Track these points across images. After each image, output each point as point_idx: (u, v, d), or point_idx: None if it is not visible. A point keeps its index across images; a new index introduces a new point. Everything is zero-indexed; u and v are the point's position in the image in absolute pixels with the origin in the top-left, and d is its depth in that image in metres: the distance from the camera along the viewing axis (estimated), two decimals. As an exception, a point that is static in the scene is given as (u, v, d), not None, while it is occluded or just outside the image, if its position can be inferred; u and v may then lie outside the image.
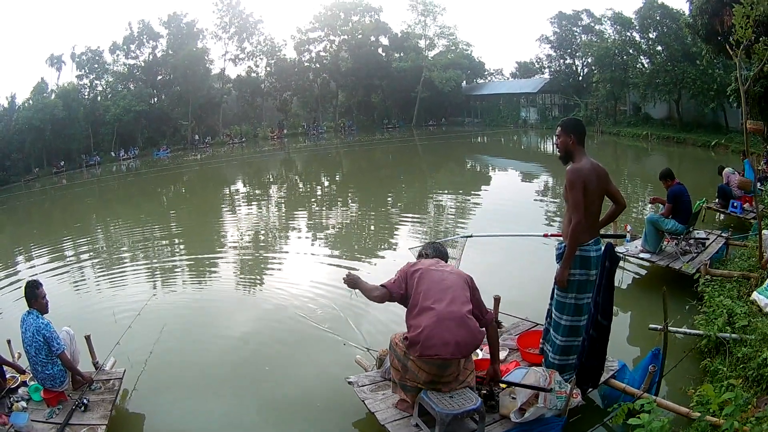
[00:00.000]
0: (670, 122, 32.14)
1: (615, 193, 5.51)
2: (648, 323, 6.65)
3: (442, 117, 58.66)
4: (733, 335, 6.18)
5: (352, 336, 8.14)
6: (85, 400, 7.01)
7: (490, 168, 18.97)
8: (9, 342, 8.53)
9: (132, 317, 8.67)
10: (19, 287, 12.21)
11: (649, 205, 13.38)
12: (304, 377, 7.86)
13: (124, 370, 7.62)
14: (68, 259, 16.35)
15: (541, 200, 16.06)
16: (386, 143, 35.01)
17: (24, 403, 7.30)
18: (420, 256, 5.55)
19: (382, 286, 5.28)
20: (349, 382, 6.45)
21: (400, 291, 5.27)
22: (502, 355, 6.32)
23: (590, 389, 5.60)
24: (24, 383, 7.72)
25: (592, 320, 5.12)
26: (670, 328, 5.65)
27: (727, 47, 8.47)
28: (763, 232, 8.29)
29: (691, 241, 9.41)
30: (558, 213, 14.56)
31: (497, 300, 7.13)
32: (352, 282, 5.49)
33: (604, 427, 5.52)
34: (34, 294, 7.07)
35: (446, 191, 18.16)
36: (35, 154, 46.44)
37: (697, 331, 6.62)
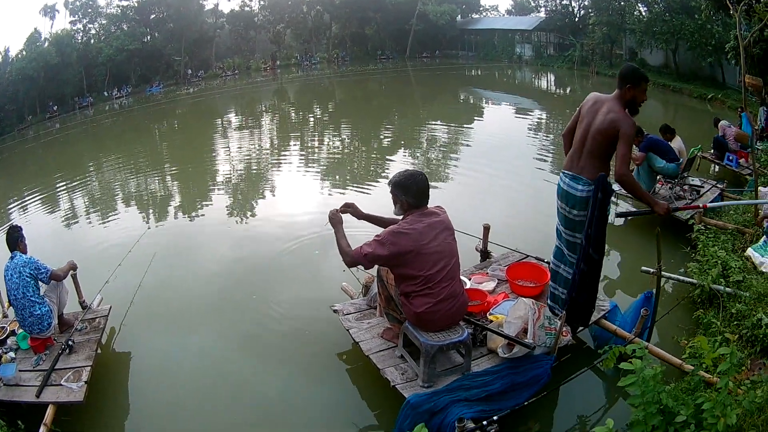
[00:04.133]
0: (667, 71, 31.83)
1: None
2: (640, 266, 6.66)
3: (436, 50, 57.98)
4: (728, 289, 6.14)
5: (339, 264, 8.11)
6: (70, 342, 6.99)
7: (484, 101, 18.85)
8: None
9: (123, 253, 8.70)
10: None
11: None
12: (291, 306, 7.92)
13: (110, 307, 7.67)
14: (60, 201, 16.32)
15: (534, 136, 15.93)
16: (379, 74, 34.73)
17: (12, 354, 7.26)
18: (398, 202, 5.02)
19: (359, 251, 4.90)
20: (335, 311, 6.49)
21: (370, 267, 5.18)
22: (491, 286, 6.32)
23: (581, 328, 5.57)
24: (13, 332, 7.71)
25: (583, 253, 5.04)
26: (663, 273, 5.56)
27: (728, 2, 8.37)
28: (759, 188, 8.26)
29: (686, 187, 9.39)
30: (551, 149, 14.36)
31: (486, 228, 7.11)
32: (336, 221, 5.28)
33: (593, 370, 5.56)
34: (15, 238, 7.12)
35: (438, 122, 18.05)
36: (28, 102, 45.48)
37: (690, 279, 6.58)
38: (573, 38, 43.66)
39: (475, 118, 17.27)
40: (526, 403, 4.82)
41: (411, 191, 4.89)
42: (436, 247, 4.79)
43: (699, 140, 10.51)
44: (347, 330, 6.15)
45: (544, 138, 15.86)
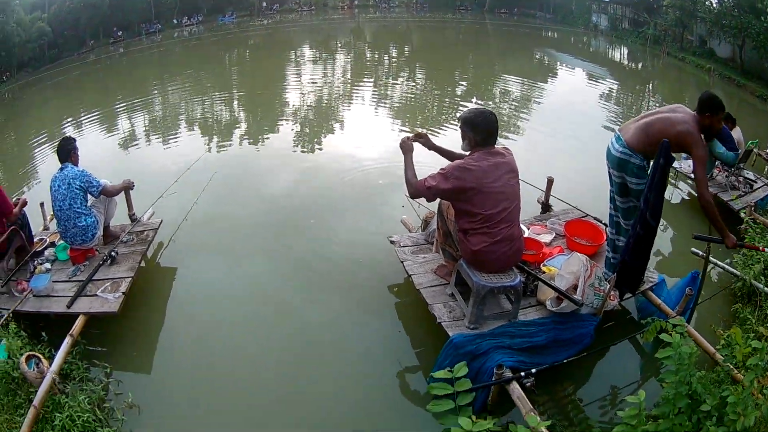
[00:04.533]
0: (733, 64, 30.94)
1: None
2: (690, 246, 6.70)
3: (515, 7, 56.85)
4: (766, 288, 6.11)
5: (401, 199, 8.18)
6: (113, 254, 7.04)
7: (558, 63, 18.61)
8: (42, 205, 8.62)
9: (180, 172, 8.82)
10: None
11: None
12: (347, 235, 8.12)
13: (160, 221, 7.85)
14: (118, 122, 16.52)
15: (604, 104, 15.77)
16: (457, 23, 34.32)
17: (48, 265, 7.36)
18: (466, 138, 5.08)
19: (422, 183, 5.05)
20: (392, 242, 6.65)
21: (433, 199, 5.23)
22: (548, 238, 6.43)
23: (628, 295, 5.62)
24: (52, 244, 7.80)
25: (640, 217, 5.03)
26: (711, 258, 5.61)
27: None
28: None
29: (740, 178, 9.30)
30: (618, 121, 13.84)
31: (550, 181, 7.18)
32: (407, 149, 5.40)
33: (632, 342, 5.70)
34: (68, 149, 7.19)
35: (512, 77, 17.86)
36: (90, 30, 43.51)
37: (734, 270, 6.60)
38: (647, 16, 42.68)
39: (549, 78, 17.10)
40: (565, 361, 4.93)
41: (479, 129, 4.95)
42: (500, 187, 4.86)
43: (758, 136, 10.30)
44: (401, 262, 6.32)
45: (614, 107, 15.67)
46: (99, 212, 7.30)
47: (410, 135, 5.56)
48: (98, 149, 9.14)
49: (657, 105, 13.22)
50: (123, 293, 6.51)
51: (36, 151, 14.20)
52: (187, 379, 6.16)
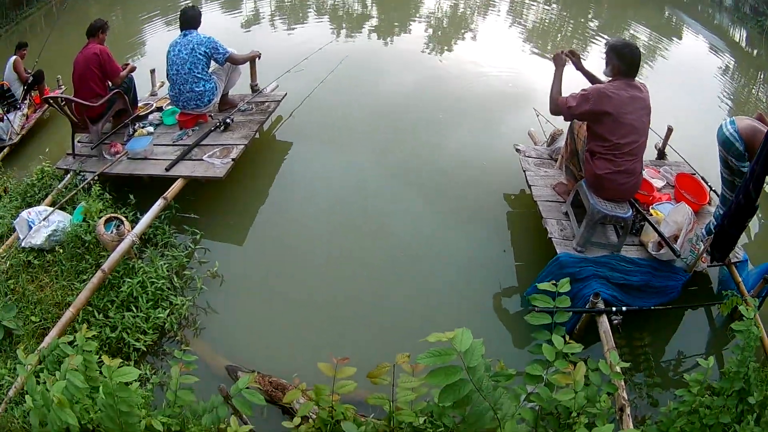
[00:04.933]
0: None
1: None
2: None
3: None
4: None
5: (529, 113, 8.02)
6: (228, 120, 6.98)
7: (685, 26, 17.71)
8: (153, 71, 8.75)
9: (308, 53, 8.90)
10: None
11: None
12: (469, 137, 8.15)
13: (285, 94, 7.85)
14: (244, 2, 16.37)
15: (722, 77, 15.08)
16: None
17: (151, 128, 7.44)
18: (610, 64, 5.15)
19: (564, 101, 5.22)
20: (517, 150, 6.73)
21: (570, 119, 5.44)
22: (659, 184, 6.38)
23: (717, 262, 5.45)
24: (159, 109, 7.75)
25: (744, 186, 4.85)
26: None
27: None
28: None
29: None
30: (731, 98, 12.95)
31: (670, 130, 7.01)
32: (560, 63, 5.56)
33: (706, 313, 5.64)
34: (194, 15, 7.20)
35: (643, 26, 17.09)
36: None
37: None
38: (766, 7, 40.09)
39: (674, 36, 16.28)
40: (652, 308, 4.99)
41: (625, 59, 5.04)
42: (633, 120, 4.97)
43: None
44: (524, 171, 6.42)
45: (729, 82, 14.91)
46: (220, 79, 7.41)
47: (565, 50, 5.63)
48: (218, 27, 9.07)
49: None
50: (232, 159, 6.58)
51: (145, 25, 14.35)
52: (277, 260, 6.27)
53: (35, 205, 6.80)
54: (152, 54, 11.27)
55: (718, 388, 3.70)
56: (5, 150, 9.52)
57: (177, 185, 6.39)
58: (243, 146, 6.84)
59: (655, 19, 17.62)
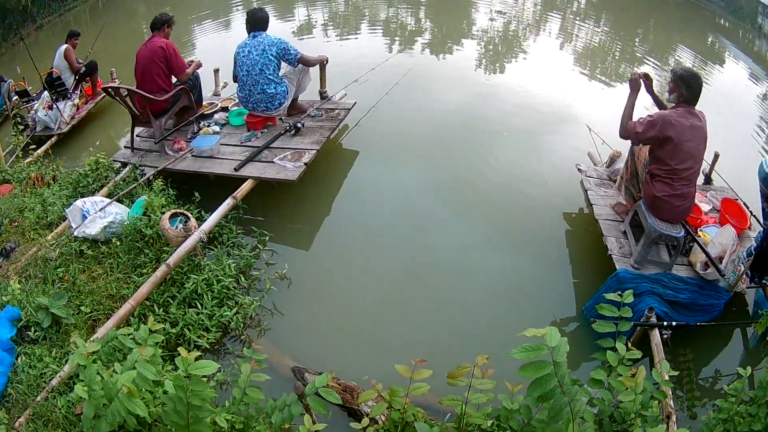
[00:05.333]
0: None
1: None
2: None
3: None
4: None
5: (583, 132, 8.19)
6: (299, 125, 6.98)
7: (727, 52, 17.75)
8: (217, 71, 8.78)
9: (373, 65, 9.18)
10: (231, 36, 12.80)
11: None
12: (525, 156, 8.35)
13: (354, 102, 7.96)
14: (296, 9, 16.72)
15: (761, 104, 15.12)
16: None
17: (217, 128, 7.38)
18: (676, 91, 5.40)
19: (633, 126, 5.41)
20: (579, 169, 6.96)
21: (637, 143, 5.69)
22: (706, 207, 6.58)
23: (755, 284, 5.65)
24: (224, 109, 7.74)
25: None
26: None
27: None
28: None
29: None
30: None
31: (716, 156, 7.11)
32: (636, 87, 5.71)
33: (742, 333, 5.76)
34: (262, 17, 7.24)
35: (688, 50, 17.22)
36: None
37: None
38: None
39: (717, 61, 16.31)
40: (698, 324, 5.17)
41: (692, 87, 5.29)
42: (691, 147, 5.23)
43: None
44: (585, 190, 6.68)
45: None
46: (291, 83, 7.45)
47: (639, 72, 5.78)
48: (271, 32, 9.07)
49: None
50: (305, 164, 6.67)
51: (194, 25, 14.46)
52: (343, 265, 6.41)
53: (88, 196, 6.84)
54: (203, 54, 11.31)
55: (753, 396, 3.83)
56: (53, 138, 9.52)
57: (246, 186, 6.43)
58: (315, 151, 6.90)
59: (700, 44, 17.83)
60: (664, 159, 5.26)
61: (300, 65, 7.46)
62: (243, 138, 7.34)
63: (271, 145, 7.06)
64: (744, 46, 19.69)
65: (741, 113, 11.60)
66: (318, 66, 7.92)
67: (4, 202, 7.20)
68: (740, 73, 15.74)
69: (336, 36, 14.33)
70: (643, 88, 5.84)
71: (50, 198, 6.99)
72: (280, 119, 7.62)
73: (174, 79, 7.59)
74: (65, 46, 10.18)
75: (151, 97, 7.20)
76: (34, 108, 9.97)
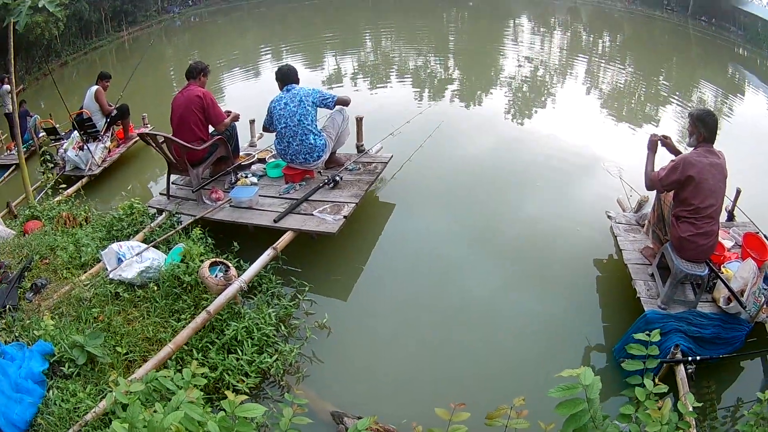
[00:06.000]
0: None
1: None
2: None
3: (713, 17, 54.91)
4: None
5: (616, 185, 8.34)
6: (337, 178, 7.09)
7: (747, 82, 17.91)
8: (252, 122, 8.94)
9: (406, 118, 9.40)
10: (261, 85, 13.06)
11: None
12: (555, 204, 8.50)
13: (391, 156, 8.15)
14: (326, 60, 17.08)
15: None
16: (663, 21, 33.95)
17: (255, 179, 7.47)
18: (694, 133, 5.57)
19: (656, 176, 5.65)
20: (609, 216, 7.13)
21: (663, 190, 5.81)
22: (729, 244, 6.71)
23: None
24: (261, 160, 7.85)
25: None
26: None
27: None
28: None
29: None
30: None
31: (738, 192, 7.27)
32: (653, 147, 5.98)
33: (763, 362, 5.86)
34: (292, 70, 7.41)
35: (710, 85, 17.42)
36: None
37: None
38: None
39: (738, 93, 16.54)
40: (720, 357, 5.32)
41: (708, 126, 5.46)
42: (712, 185, 5.35)
43: None
44: (615, 236, 6.85)
45: None
46: (330, 137, 7.49)
47: (659, 135, 6.07)
48: (304, 83, 9.30)
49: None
50: (344, 217, 6.79)
51: (224, 72, 14.63)
52: (380, 313, 6.54)
53: (122, 240, 6.97)
54: (233, 102, 11.50)
55: None
56: (84, 179, 9.63)
57: (286, 237, 6.54)
58: (354, 204, 7.00)
59: (720, 78, 18.04)
60: (687, 199, 5.40)
61: (338, 115, 7.64)
62: (282, 190, 7.46)
63: (310, 198, 7.18)
64: (762, 74, 19.96)
65: (761, 143, 11.82)
66: (356, 121, 8.18)
67: (35, 238, 7.38)
68: (760, 103, 16.05)
69: (367, 86, 14.75)
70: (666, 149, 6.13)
71: (84, 239, 7.10)
72: (319, 172, 7.76)
73: (211, 129, 7.75)
74: (96, 87, 10.31)
75: (189, 146, 7.31)
76: (64, 147, 10.14)
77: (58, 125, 11.54)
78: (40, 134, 11.67)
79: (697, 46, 21.95)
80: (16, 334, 5.62)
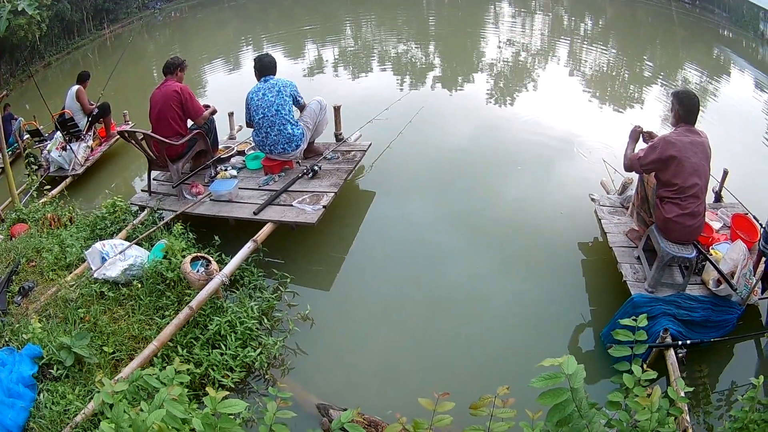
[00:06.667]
0: None
1: None
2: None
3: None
4: None
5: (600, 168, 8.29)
6: (316, 168, 7.09)
7: (732, 63, 17.90)
8: (231, 114, 8.95)
9: (386, 105, 9.25)
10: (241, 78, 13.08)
11: None
12: (538, 189, 8.46)
13: (370, 144, 8.12)
14: (307, 51, 17.10)
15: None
16: (644, 4, 33.85)
17: (234, 172, 7.48)
18: (673, 111, 5.60)
19: (635, 156, 5.67)
20: (593, 199, 7.12)
21: (641, 171, 5.80)
22: (717, 225, 6.68)
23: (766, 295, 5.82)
24: (240, 153, 7.85)
25: None
26: None
27: None
28: None
29: None
30: None
31: (725, 173, 7.21)
32: (635, 137, 6.03)
33: (756, 345, 5.84)
34: (271, 62, 7.39)
35: (695, 67, 17.20)
36: None
37: None
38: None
39: (723, 75, 16.49)
40: (711, 341, 5.27)
41: (685, 105, 5.48)
42: (695, 163, 5.31)
43: None
44: (599, 219, 6.80)
45: None
46: (307, 127, 7.47)
47: (641, 128, 6.11)
48: (281, 73, 9.26)
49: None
50: (324, 207, 6.74)
51: (205, 65, 14.62)
52: (363, 302, 6.50)
53: (106, 238, 6.98)
54: (214, 95, 11.47)
55: (766, 403, 3.95)
56: (68, 180, 9.62)
57: (266, 229, 6.54)
58: (333, 194, 6.99)
59: (705, 59, 18.06)
60: (670, 180, 5.37)
61: (315, 104, 7.64)
62: (261, 182, 7.44)
63: (289, 189, 7.16)
64: (748, 56, 19.88)
65: (748, 124, 11.84)
66: (333, 110, 8.16)
67: (21, 241, 7.37)
68: (746, 84, 15.89)
69: (347, 74, 14.67)
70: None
71: (68, 239, 7.10)
72: (297, 162, 7.74)
73: (190, 123, 7.74)
74: (77, 87, 10.30)
75: (168, 141, 7.32)
76: (47, 148, 10.11)
77: (41, 126, 11.52)
78: (25, 137, 11.66)
79: (682, 28, 21.86)
80: (6, 339, 5.65)
